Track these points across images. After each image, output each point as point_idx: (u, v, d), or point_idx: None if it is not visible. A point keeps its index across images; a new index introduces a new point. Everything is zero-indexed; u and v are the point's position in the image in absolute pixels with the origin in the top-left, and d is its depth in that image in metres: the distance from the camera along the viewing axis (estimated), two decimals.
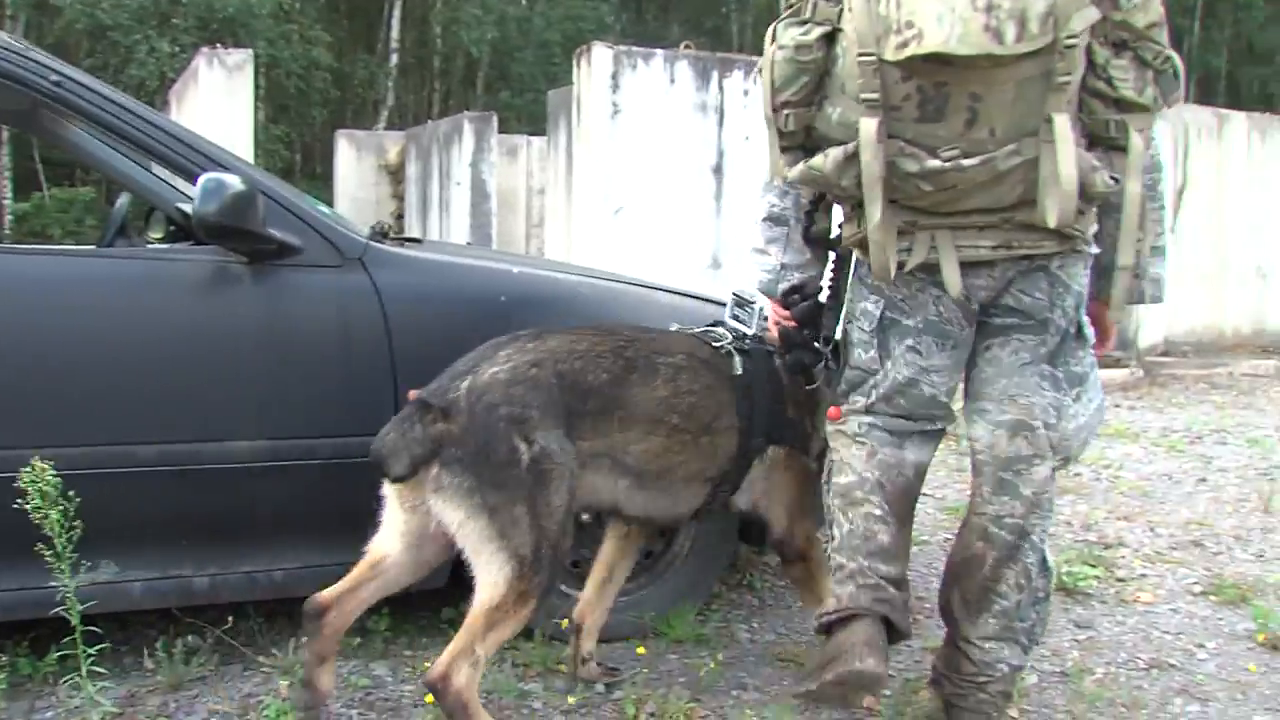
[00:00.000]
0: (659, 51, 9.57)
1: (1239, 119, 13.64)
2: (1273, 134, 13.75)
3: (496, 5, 31.28)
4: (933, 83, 2.74)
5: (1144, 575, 4.94)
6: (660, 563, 4.06)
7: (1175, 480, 6.83)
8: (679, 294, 4.38)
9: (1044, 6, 2.62)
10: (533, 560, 2.93)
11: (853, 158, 2.85)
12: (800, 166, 2.98)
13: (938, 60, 2.65)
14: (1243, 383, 11.54)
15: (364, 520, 3.17)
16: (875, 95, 2.77)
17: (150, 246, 3.81)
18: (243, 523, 3.55)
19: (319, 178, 22.24)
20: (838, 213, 3.35)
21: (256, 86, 26.37)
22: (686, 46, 9.85)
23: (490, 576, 2.94)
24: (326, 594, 3.17)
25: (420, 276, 3.78)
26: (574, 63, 9.56)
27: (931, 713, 3.37)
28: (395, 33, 30.73)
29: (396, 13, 30.73)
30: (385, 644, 3.87)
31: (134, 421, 3.40)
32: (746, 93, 9.65)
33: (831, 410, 3.34)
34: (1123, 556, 5.15)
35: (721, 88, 9.59)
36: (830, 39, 2.88)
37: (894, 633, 3.12)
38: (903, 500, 3.22)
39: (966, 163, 2.78)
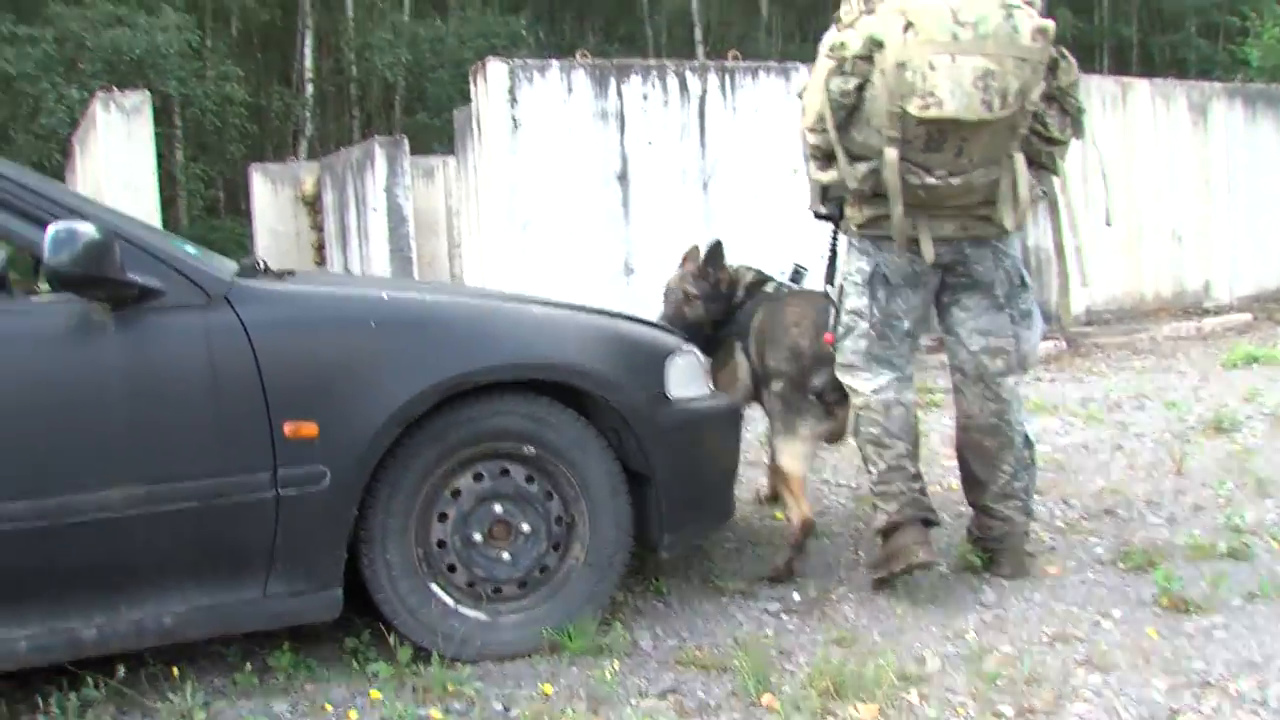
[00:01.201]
0: (554, 62, 9.52)
1: (1142, 86, 13.74)
2: (1176, 99, 13.85)
3: (407, 28, 31.21)
4: (937, 128, 4.04)
5: (1053, 549, 4.95)
6: (555, 575, 4.03)
7: (1091, 450, 6.85)
8: (559, 306, 4.37)
9: (1018, 85, 4.03)
10: None
11: (874, 171, 4.18)
12: (833, 173, 4.29)
13: (947, 119, 3.99)
14: (1164, 346, 11.63)
15: (249, 558, 3.13)
16: (896, 134, 4.06)
17: (34, 299, 3.74)
18: (125, 571, 3.48)
19: (242, 213, 22.15)
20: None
21: (173, 126, 26.71)
22: (583, 55, 9.81)
23: None
24: None
25: (288, 309, 3.74)
26: (470, 80, 9.51)
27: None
28: (309, 62, 30.62)
29: (309, 42, 30.61)
30: (287, 679, 3.81)
31: (2, 479, 3.35)
32: (645, 97, 9.64)
33: (827, 335, 4.59)
34: (1033, 531, 5.15)
35: (620, 94, 9.57)
36: (861, 88, 4.10)
37: (930, 524, 4.47)
38: (910, 429, 4.51)
39: (953, 180, 4.17)
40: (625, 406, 4.02)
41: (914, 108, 3.98)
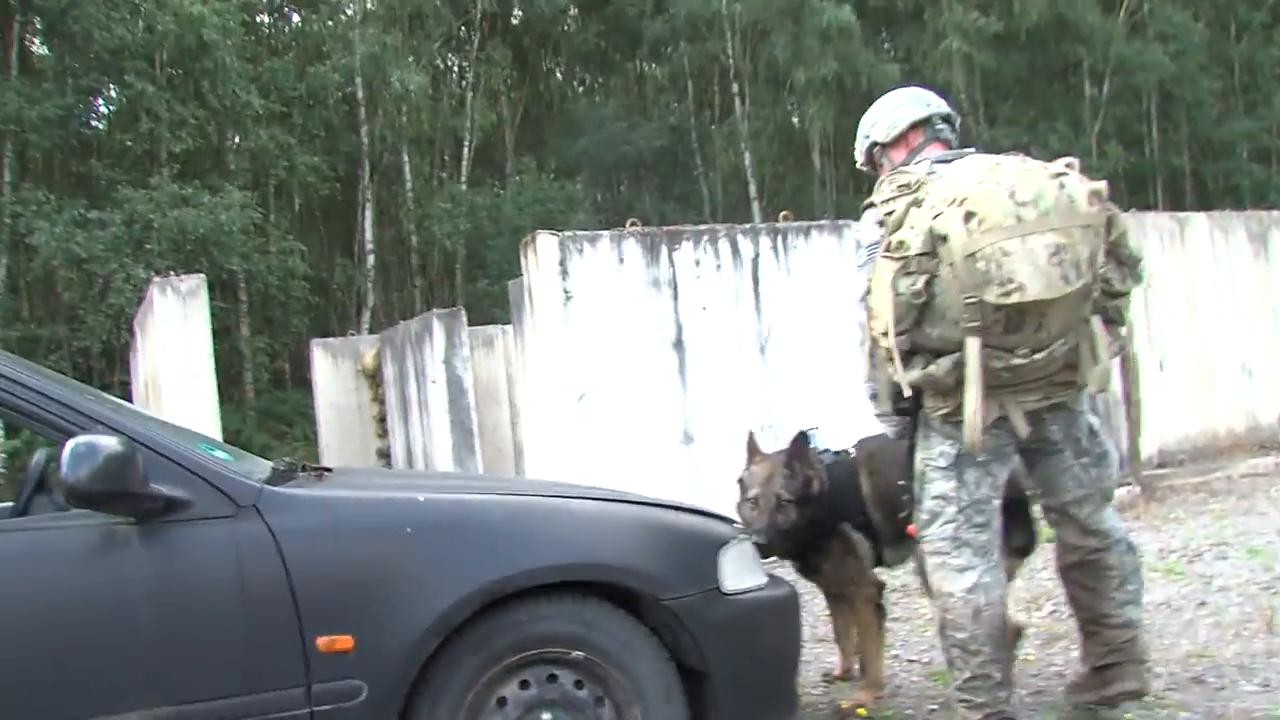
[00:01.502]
0: (604, 233, 9.47)
1: (1199, 220, 13.56)
2: (1234, 230, 13.65)
3: (465, 196, 31.58)
4: (1017, 310, 3.95)
5: None
6: None
7: (1174, 608, 6.54)
8: (604, 500, 4.22)
9: (1087, 253, 3.99)
10: None
11: (958, 363, 4.06)
12: (919, 372, 4.18)
13: (1029, 302, 3.92)
14: (1241, 485, 11.20)
15: None
16: (976, 323, 3.98)
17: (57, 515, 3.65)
18: None
19: (307, 385, 22.29)
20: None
21: (238, 301, 27.05)
22: (633, 224, 9.77)
23: None
24: None
25: (319, 517, 3.61)
26: (521, 253, 9.48)
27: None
28: (369, 234, 31.01)
29: (369, 215, 31.05)
30: None
31: (21, 704, 3.21)
32: (698, 263, 9.56)
33: (910, 528, 4.57)
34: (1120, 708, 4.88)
35: (672, 261, 9.50)
36: (929, 283, 4.03)
37: None
38: (1000, 631, 4.38)
39: (1037, 356, 4.08)
40: (678, 605, 3.83)
41: (993, 296, 3.93)
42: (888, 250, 4.14)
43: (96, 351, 25.28)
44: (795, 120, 36.88)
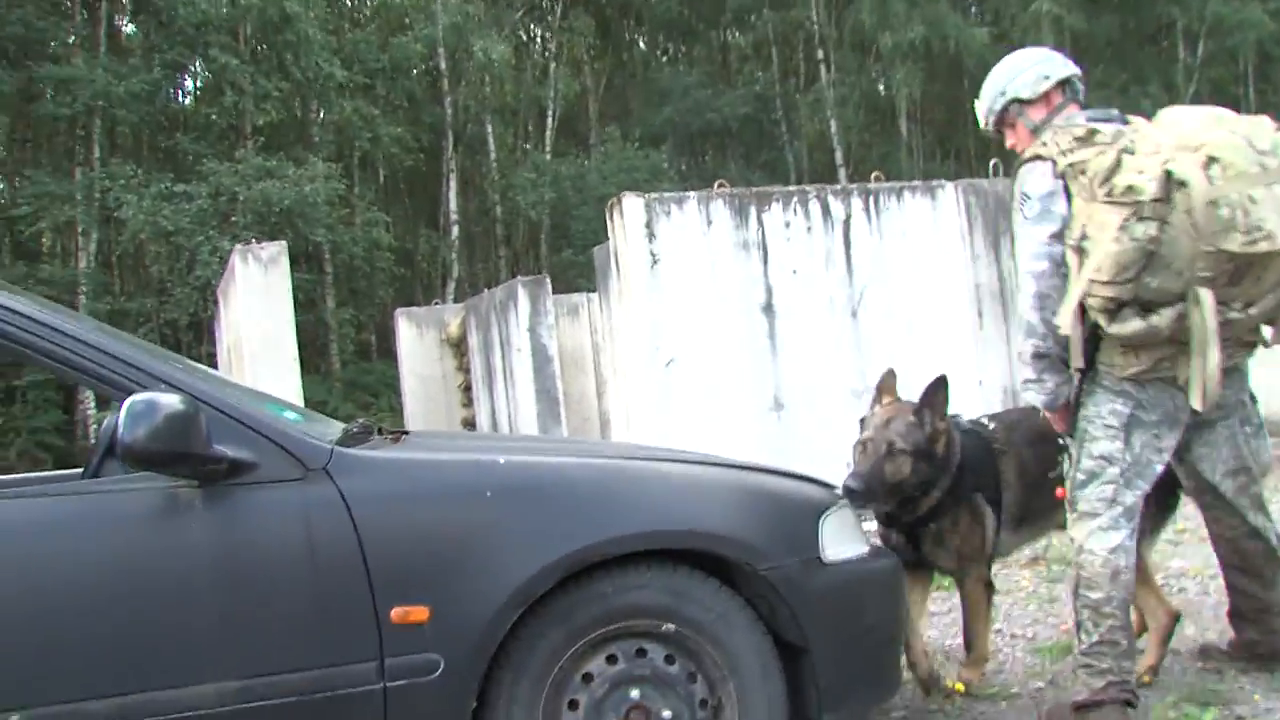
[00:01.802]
0: (692, 195, 9.19)
1: None
2: None
3: (549, 166, 31.53)
4: (1246, 261, 3.78)
5: (1269, 711, 4.32)
6: None
7: None
8: (696, 462, 3.96)
9: None
10: None
11: (1181, 315, 3.86)
12: (1138, 324, 3.93)
13: (1276, 251, 3.76)
14: None
15: None
16: (1209, 273, 3.79)
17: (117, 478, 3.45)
18: None
19: (393, 356, 22.21)
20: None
21: (324, 272, 27.14)
22: (720, 186, 9.49)
23: None
24: None
25: (394, 481, 3.39)
26: (607, 216, 9.23)
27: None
28: (454, 205, 31.01)
29: (453, 185, 31.04)
30: None
31: (82, 677, 3.01)
32: (787, 225, 9.25)
33: (1059, 490, 4.41)
34: (1240, 687, 4.55)
35: (761, 223, 9.20)
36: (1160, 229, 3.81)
37: (1131, 706, 4.17)
38: (1130, 598, 4.26)
39: (1251, 310, 3.93)
40: (775, 574, 3.57)
41: (1236, 245, 3.75)
42: (1111, 196, 3.91)
43: (184, 324, 25.53)
44: (881, 87, 36.48)
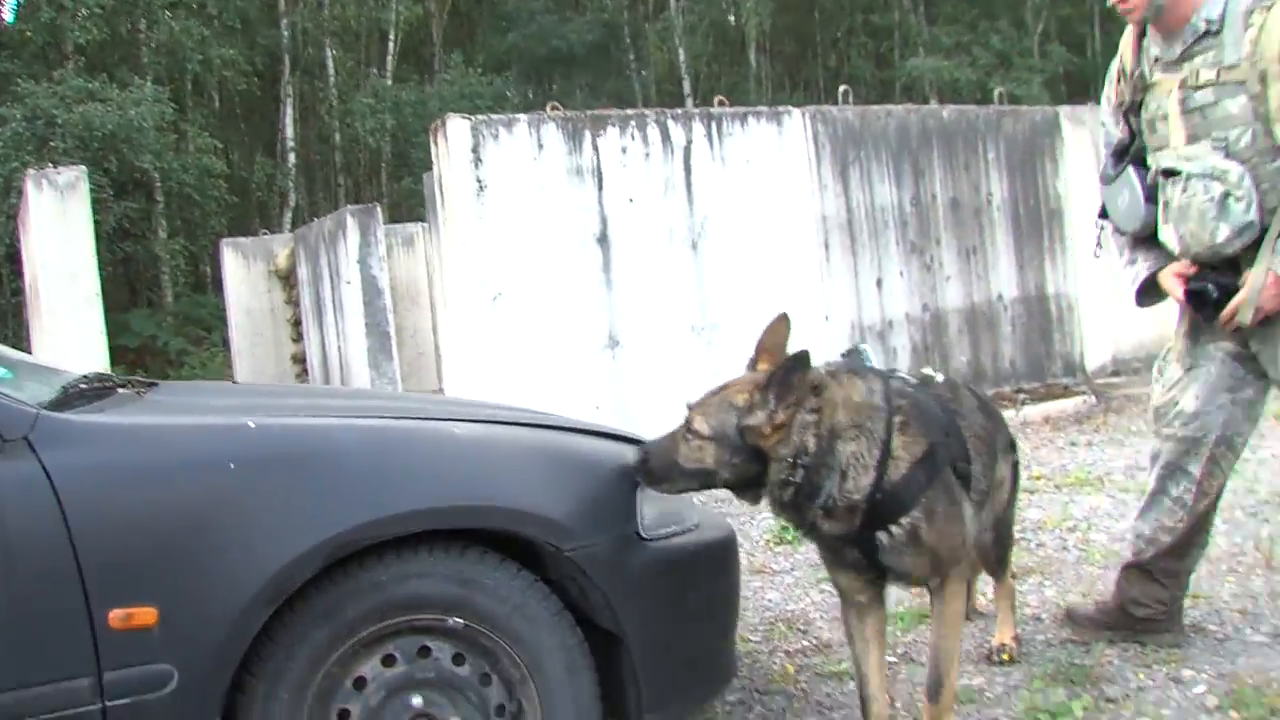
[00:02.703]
0: (521, 117, 8.60)
1: None
2: None
3: (389, 92, 30.64)
4: None
5: (1141, 690, 3.91)
6: None
7: None
8: (494, 422, 3.38)
9: None
10: None
11: None
12: None
13: None
14: None
15: None
16: None
17: None
18: None
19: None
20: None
21: (154, 201, 25.94)
22: (553, 108, 8.90)
23: None
24: None
25: (115, 452, 2.76)
26: (431, 139, 8.58)
27: None
28: (290, 132, 29.97)
29: (290, 112, 30.00)
30: None
31: None
32: (624, 150, 8.71)
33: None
34: (1109, 662, 4.14)
35: (597, 148, 8.64)
36: None
37: None
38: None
39: None
40: (584, 555, 3.04)
41: None
42: None
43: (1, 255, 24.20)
44: (731, 17, 36.16)
